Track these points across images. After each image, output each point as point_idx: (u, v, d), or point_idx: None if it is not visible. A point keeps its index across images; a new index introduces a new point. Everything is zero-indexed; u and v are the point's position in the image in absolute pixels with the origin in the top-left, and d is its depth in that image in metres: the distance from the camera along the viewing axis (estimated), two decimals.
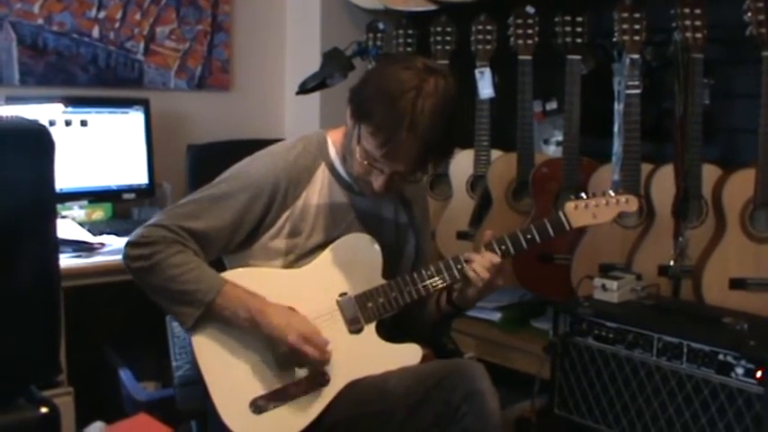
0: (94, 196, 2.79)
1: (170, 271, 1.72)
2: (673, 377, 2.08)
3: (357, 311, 1.83)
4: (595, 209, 1.90)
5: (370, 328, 1.83)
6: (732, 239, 2.33)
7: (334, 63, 2.62)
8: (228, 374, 1.77)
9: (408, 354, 1.83)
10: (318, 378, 1.78)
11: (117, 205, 2.85)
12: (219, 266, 1.87)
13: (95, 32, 2.93)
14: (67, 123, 2.73)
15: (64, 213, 2.65)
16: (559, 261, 2.64)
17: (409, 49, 3.02)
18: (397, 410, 1.72)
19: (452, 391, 1.68)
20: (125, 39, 3.00)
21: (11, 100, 2.64)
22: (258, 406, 1.76)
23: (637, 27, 2.43)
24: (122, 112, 2.86)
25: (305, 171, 1.85)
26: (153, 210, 2.90)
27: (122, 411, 2.34)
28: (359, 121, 1.72)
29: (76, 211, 2.72)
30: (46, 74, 2.84)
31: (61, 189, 2.63)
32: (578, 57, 2.62)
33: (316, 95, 2.93)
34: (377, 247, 1.86)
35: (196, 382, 1.81)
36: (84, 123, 2.76)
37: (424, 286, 1.83)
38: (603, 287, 2.32)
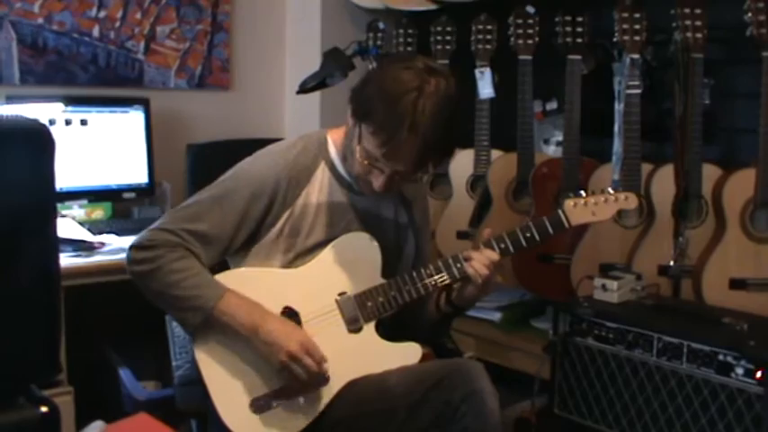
0: (94, 195, 2.79)
1: (172, 276, 1.73)
2: (673, 377, 2.08)
3: (356, 311, 1.83)
4: (594, 206, 1.90)
5: (369, 328, 1.83)
6: (732, 239, 2.33)
7: (334, 62, 2.62)
8: (228, 374, 1.77)
9: (408, 353, 1.83)
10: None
11: (117, 204, 2.85)
12: (223, 267, 1.87)
13: (95, 32, 2.93)
14: (67, 122, 2.73)
15: (64, 212, 2.65)
16: (559, 261, 2.64)
17: (409, 48, 3.03)
18: (397, 410, 1.72)
19: (452, 390, 1.68)
20: (125, 38, 3.00)
21: (11, 99, 2.64)
22: (258, 406, 1.76)
23: (637, 27, 2.43)
24: (122, 112, 2.86)
25: (305, 170, 1.85)
26: (153, 209, 2.90)
27: (122, 411, 2.33)
28: (360, 121, 1.72)
29: (76, 210, 2.72)
30: (46, 73, 2.84)
31: (61, 188, 2.63)
32: (578, 57, 2.63)
33: (316, 95, 2.93)
34: (376, 246, 1.86)
35: (196, 381, 1.80)
36: (84, 122, 2.76)
37: (423, 285, 1.83)
38: (603, 287, 2.32)
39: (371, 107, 1.69)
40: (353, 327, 1.83)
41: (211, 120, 3.22)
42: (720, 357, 1.99)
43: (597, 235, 2.54)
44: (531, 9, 2.73)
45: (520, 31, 2.72)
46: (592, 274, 2.42)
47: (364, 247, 1.86)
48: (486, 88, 2.83)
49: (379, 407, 1.75)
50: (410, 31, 3.04)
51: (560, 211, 1.88)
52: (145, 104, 2.90)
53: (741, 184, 2.32)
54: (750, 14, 2.25)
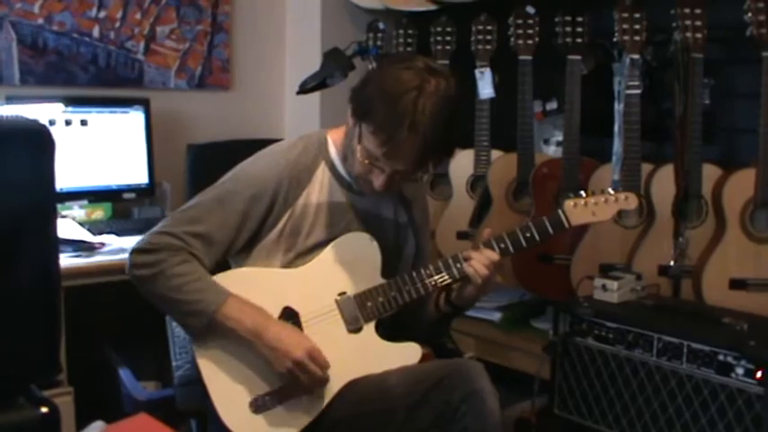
0: (94, 196, 2.79)
1: (174, 280, 1.73)
2: (673, 377, 2.08)
3: (356, 311, 1.83)
4: (594, 207, 1.90)
5: (369, 328, 1.83)
6: (732, 239, 2.33)
7: (334, 63, 2.62)
8: (228, 374, 1.77)
9: (408, 353, 1.83)
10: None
11: (117, 205, 2.85)
12: (224, 266, 1.87)
13: (95, 32, 2.93)
14: (67, 123, 2.73)
15: (64, 213, 2.65)
16: (559, 261, 2.64)
17: (409, 48, 3.03)
18: (397, 410, 1.72)
19: (452, 390, 1.68)
20: (125, 38, 3.00)
21: (11, 99, 2.64)
22: (258, 405, 1.76)
23: (637, 27, 2.43)
24: (122, 112, 2.86)
25: (306, 170, 1.85)
26: (153, 209, 2.90)
27: (122, 411, 2.33)
28: (360, 121, 1.73)
29: (76, 210, 2.72)
30: (46, 73, 2.84)
31: (61, 188, 2.63)
32: (578, 57, 2.62)
33: (316, 95, 2.92)
34: (376, 246, 1.86)
35: (196, 381, 1.81)
36: (84, 123, 2.76)
37: (423, 285, 1.83)
38: (603, 287, 2.32)
39: (372, 107, 1.69)
40: (353, 327, 1.83)
41: (211, 120, 3.22)
42: (720, 357, 1.99)
43: (597, 235, 2.53)
44: (531, 9, 2.73)
45: (520, 31, 2.72)
46: (592, 275, 2.42)
47: (364, 247, 1.86)
48: (486, 88, 2.83)
49: (378, 407, 1.75)
50: (410, 31, 3.04)
51: (560, 212, 1.88)
52: (145, 105, 2.90)
53: (741, 185, 2.32)
54: (750, 14, 2.25)
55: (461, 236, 2.89)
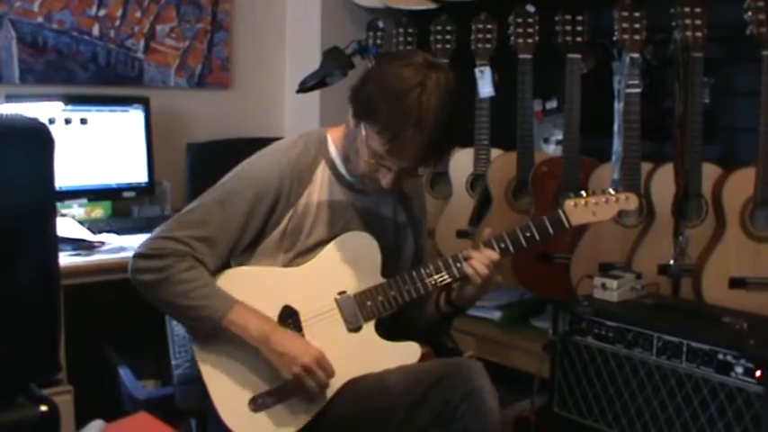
0: (94, 194, 2.78)
1: (180, 286, 1.72)
2: (672, 376, 2.08)
3: (356, 310, 1.83)
4: (595, 207, 1.90)
5: (369, 327, 1.83)
6: (732, 238, 2.33)
7: (334, 61, 2.61)
8: (228, 373, 1.77)
9: (407, 352, 1.83)
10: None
11: (117, 203, 2.84)
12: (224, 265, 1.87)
13: (95, 30, 2.93)
14: (67, 121, 2.72)
15: (63, 211, 2.65)
16: (559, 260, 2.64)
17: (409, 47, 3.03)
18: (397, 409, 1.72)
19: (452, 389, 1.68)
20: (125, 37, 3.00)
21: (10, 98, 2.64)
22: (257, 404, 1.76)
23: (637, 26, 2.43)
24: (122, 111, 2.86)
25: (307, 169, 1.85)
26: (153, 208, 2.90)
27: (122, 410, 2.33)
28: (364, 121, 1.73)
29: (76, 209, 2.72)
30: (46, 72, 2.84)
31: (61, 187, 2.62)
32: (578, 56, 2.62)
33: (315, 94, 2.92)
34: (376, 245, 1.86)
35: (195, 380, 1.81)
36: (83, 121, 2.76)
37: (423, 284, 1.83)
38: (603, 286, 2.32)
39: (375, 107, 1.69)
40: (353, 326, 1.83)
41: (211, 119, 3.21)
42: (720, 356, 1.99)
43: (597, 234, 2.53)
44: (530, 8, 2.72)
45: (520, 30, 2.72)
46: (591, 273, 2.42)
47: (364, 247, 1.86)
48: (485, 87, 2.83)
49: (378, 406, 1.75)
50: (410, 30, 3.04)
51: (561, 211, 1.88)
52: (145, 103, 2.90)
53: (741, 184, 2.32)
54: (750, 13, 2.25)
55: (461, 234, 2.89)
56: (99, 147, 2.79)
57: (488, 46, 2.83)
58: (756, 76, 2.27)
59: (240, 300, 1.76)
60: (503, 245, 1.84)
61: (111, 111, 2.83)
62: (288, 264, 1.84)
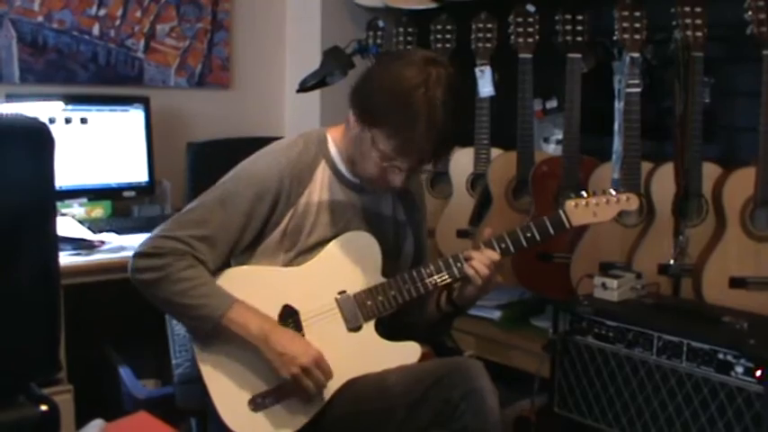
0: (94, 194, 2.79)
1: (180, 285, 1.72)
2: (672, 376, 2.08)
3: (356, 309, 1.83)
4: (596, 207, 1.90)
5: (369, 327, 1.83)
6: (732, 238, 2.33)
7: (334, 61, 2.62)
8: (228, 373, 1.77)
9: (407, 352, 1.83)
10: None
11: (117, 203, 2.84)
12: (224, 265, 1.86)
13: (95, 30, 2.93)
14: (67, 121, 2.72)
15: (64, 211, 2.65)
16: (559, 260, 2.64)
17: (409, 47, 3.03)
18: (397, 409, 1.72)
19: (452, 389, 1.68)
20: (125, 36, 3.00)
21: (11, 97, 2.64)
22: (257, 404, 1.76)
23: (637, 25, 2.43)
24: (122, 110, 2.86)
25: (307, 168, 1.85)
26: (153, 207, 2.90)
27: (122, 409, 2.33)
28: (371, 126, 1.72)
29: (76, 208, 2.72)
30: (46, 71, 2.84)
31: (61, 187, 2.62)
32: (579, 55, 2.62)
33: (316, 93, 2.92)
34: (377, 244, 1.86)
35: (196, 379, 1.81)
36: (84, 121, 2.76)
37: (423, 284, 1.83)
38: (603, 286, 2.32)
39: (382, 111, 1.70)
40: (353, 325, 1.83)
41: (211, 118, 3.22)
42: (720, 356, 1.98)
43: (597, 234, 2.53)
44: (531, 7, 2.72)
45: (520, 29, 2.72)
46: (592, 273, 2.42)
47: (365, 246, 1.86)
48: (486, 87, 2.83)
49: (378, 406, 1.75)
50: (410, 29, 3.04)
51: (561, 212, 1.88)
52: (145, 103, 2.90)
53: (741, 183, 2.32)
54: (750, 13, 2.25)
55: (461, 234, 2.89)
56: (99, 146, 2.79)
57: (488, 45, 2.83)
58: (757, 75, 2.27)
59: (240, 299, 1.75)
60: (503, 245, 1.84)
61: (111, 110, 2.83)
62: (288, 263, 1.84)
